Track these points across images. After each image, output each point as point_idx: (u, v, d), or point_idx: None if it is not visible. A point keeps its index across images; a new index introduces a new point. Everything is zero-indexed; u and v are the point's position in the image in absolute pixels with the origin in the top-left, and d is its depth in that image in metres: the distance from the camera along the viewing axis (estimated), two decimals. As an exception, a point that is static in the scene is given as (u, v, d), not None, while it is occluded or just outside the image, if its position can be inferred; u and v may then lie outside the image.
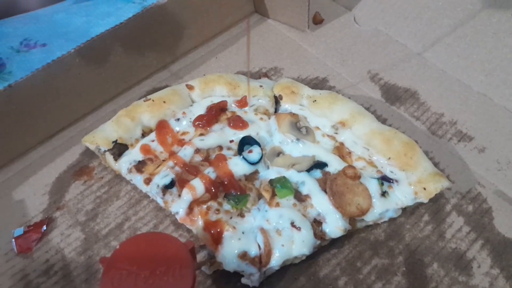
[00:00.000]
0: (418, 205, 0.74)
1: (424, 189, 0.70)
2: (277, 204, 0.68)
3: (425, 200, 0.70)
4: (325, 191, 0.69)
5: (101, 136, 0.74)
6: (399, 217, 0.73)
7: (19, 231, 0.72)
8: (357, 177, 0.70)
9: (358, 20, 1.01)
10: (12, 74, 0.96)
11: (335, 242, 0.70)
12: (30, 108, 0.76)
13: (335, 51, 0.96)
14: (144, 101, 0.79)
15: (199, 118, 0.78)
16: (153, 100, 0.78)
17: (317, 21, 1.00)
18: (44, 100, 0.77)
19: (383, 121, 0.84)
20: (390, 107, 0.87)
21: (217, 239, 0.64)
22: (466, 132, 0.83)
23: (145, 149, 0.74)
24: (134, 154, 0.74)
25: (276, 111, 0.82)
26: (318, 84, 0.91)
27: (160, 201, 0.71)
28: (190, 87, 0.82)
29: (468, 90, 0.88)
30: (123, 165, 0.74)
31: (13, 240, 0.71)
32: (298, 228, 0.66)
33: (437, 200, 0.75)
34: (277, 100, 0.82)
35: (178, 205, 0.68)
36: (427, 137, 0.83)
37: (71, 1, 1.13)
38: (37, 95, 0.76)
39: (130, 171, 0.73)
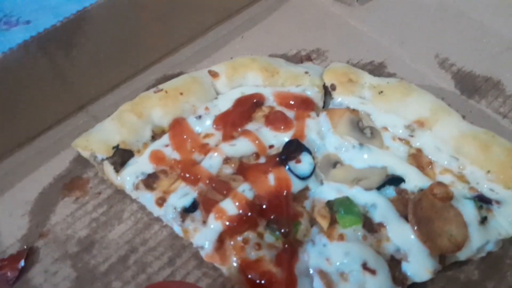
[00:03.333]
0: (519, 233, 0.59)
1: (539, 213, 0.55)
2: (341, 237, 0.54)
3: (539, 229, 0.55)
4: (405, 218, 0.54)
5: (97, 140, 0.62)
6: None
7: (-11, 267, 0.58)
8: (449, 198, 0.54)
9: (420, -12, 0.88)
10: (-11, 57, 0.80)
11: (415, 284, 0.54)
12: (4, 102, 0.63)
13: (392, 28, 0.83)
14: (155, 92, 0.67)
15: (224, 116, 0.65)
16: (166, 91, 0.66)
17: (368, -9, 0.85)
18: (22, 92, 0.64)
19: (460, 119, 0.70)
20: (468, 101, 0.74)
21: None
22: None
23: (157, 158, 0.62)
24: (142, 164, 0.62)
25: (324, 105, 0.68)
26: (373, 70, 0.77)
27: (177, 229, 0.58)
28: (214, 74, 0.69)
29: None
30: (128, 178, 0.61)
31: (-19, 280, 0.57)
32: (372, 271, 0.51)
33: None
34: (327, 91, 0.68)
35: (203, 237, 0.55)
36: (520, 139, 0.69)
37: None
38: (13, 84, 0.62)
39: (136, 187, 0.60)
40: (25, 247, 0.60)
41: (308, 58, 0.77)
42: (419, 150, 0.62)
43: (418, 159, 0.61)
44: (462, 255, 0.55)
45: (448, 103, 0.71)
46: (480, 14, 0.83)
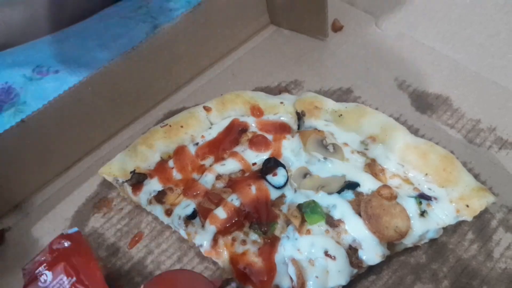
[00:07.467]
0: (461, 222, 0.68)
1: (467, 206, 0.64)
2: (308, 231, 0.64)
3: (469, 218, 0.65)
4: (359, 215, 0.64)
5: (118, 167, 0.71)
6: (441, 237, 0.67)
7: (40, 270, 0.69)
8: (393, 197, 0.64)
9: (380, 24, 0.95)
10: (26, 104, 0.94)
11: (373, 268, 0.65)
12: (44, 141, 0.74)
13: (358, 58, 0.90)
14: (161, 126, 0.76)
15: (215, 143, 0.75)
16: (170, 125, 0.75)
17: (337, 28, 0.95)
18: (58, 132, 0.75)
19: (415, 131, 0.79)
20: (422, 116, 0.81)
21: (245, 277, 0.60)
22: (507, 138, 0.77)
23: (165, 178, 0.71)
24: (153, 184, 0.71)
25: (299, 128, 0.78)
26: (342, 95, 0.86)
27: (183, 233, 0.67)
28: (208, 109, 0.78)
29: (506, 92, 0.81)
30: (143, 196, 0.70)
31: (34, 280, 0.68)
32: (333, 257, 0.61)
33: (481, 215, 0.68)
34: (299, 116, 0.78)
35: (202, 237, 0.65)
36: (464, 146, 0.77)
37: (82, 25, 1.10)
38: (51, 127, 0.73)
39: (150, 202, 0.70)
40: (67, 254, 0.71)
41: (285, 89, 0.85)
42: (373, 160, 0.70)
43: (372, 167, 0.69)
44: (408, 242, 0.64)
45: (405, 119, 0.80)
46: (432, 42, 0.89)
